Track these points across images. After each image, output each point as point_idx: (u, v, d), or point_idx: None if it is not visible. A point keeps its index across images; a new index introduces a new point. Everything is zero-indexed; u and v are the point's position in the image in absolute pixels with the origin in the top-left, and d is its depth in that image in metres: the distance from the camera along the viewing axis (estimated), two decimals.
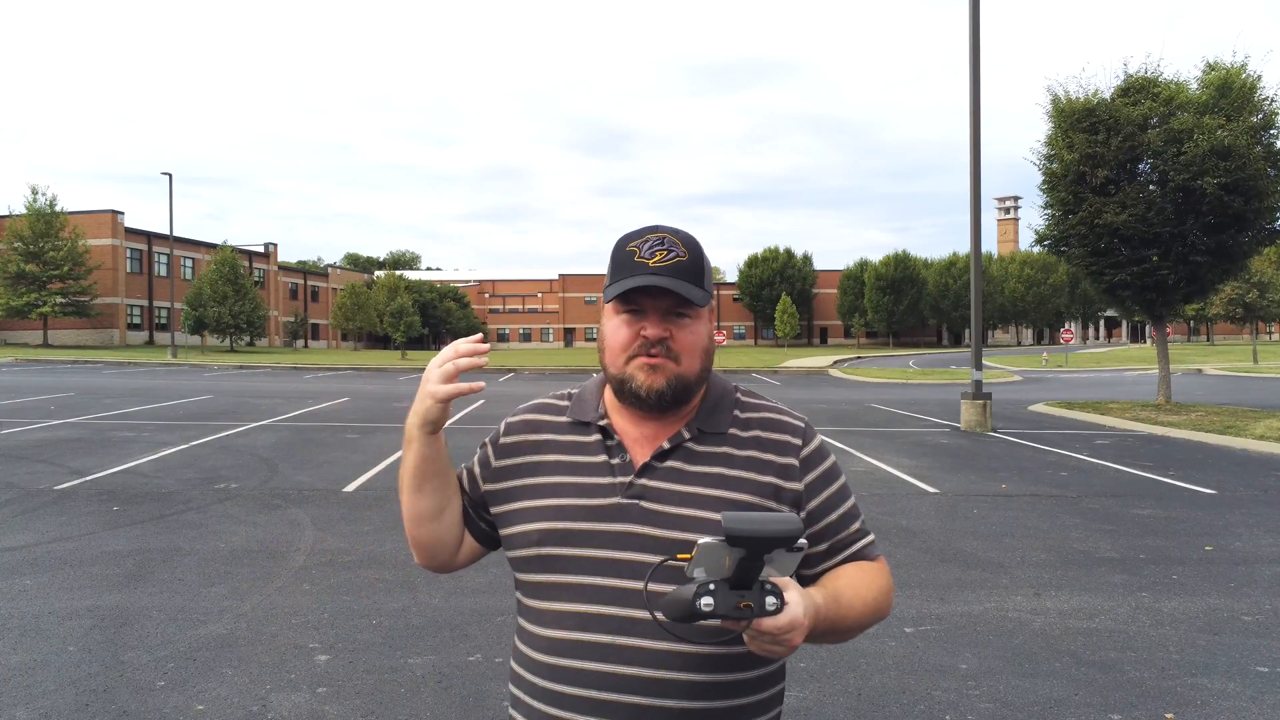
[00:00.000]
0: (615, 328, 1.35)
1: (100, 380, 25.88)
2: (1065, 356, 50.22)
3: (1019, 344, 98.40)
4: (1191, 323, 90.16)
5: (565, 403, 1.46)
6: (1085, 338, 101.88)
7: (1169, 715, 3.71)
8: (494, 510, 1.42)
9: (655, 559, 1.25)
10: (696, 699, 1.26)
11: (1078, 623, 4.90)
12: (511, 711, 1.40)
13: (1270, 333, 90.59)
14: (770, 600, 1.08)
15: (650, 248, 1.33)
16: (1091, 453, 12.08)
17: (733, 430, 1.39)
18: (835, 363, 46.61)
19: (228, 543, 6.48)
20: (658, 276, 1.30)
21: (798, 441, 1.40)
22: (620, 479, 1.34)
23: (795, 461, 1.38)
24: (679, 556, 1.15)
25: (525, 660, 1.36)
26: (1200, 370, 37.58)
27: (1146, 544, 6.77)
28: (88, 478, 9.10)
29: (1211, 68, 17.31)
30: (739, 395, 1.44)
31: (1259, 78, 16.90)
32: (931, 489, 9.12)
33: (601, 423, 1.39)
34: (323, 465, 10.21)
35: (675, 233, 1.36)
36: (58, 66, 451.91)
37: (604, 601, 1.28)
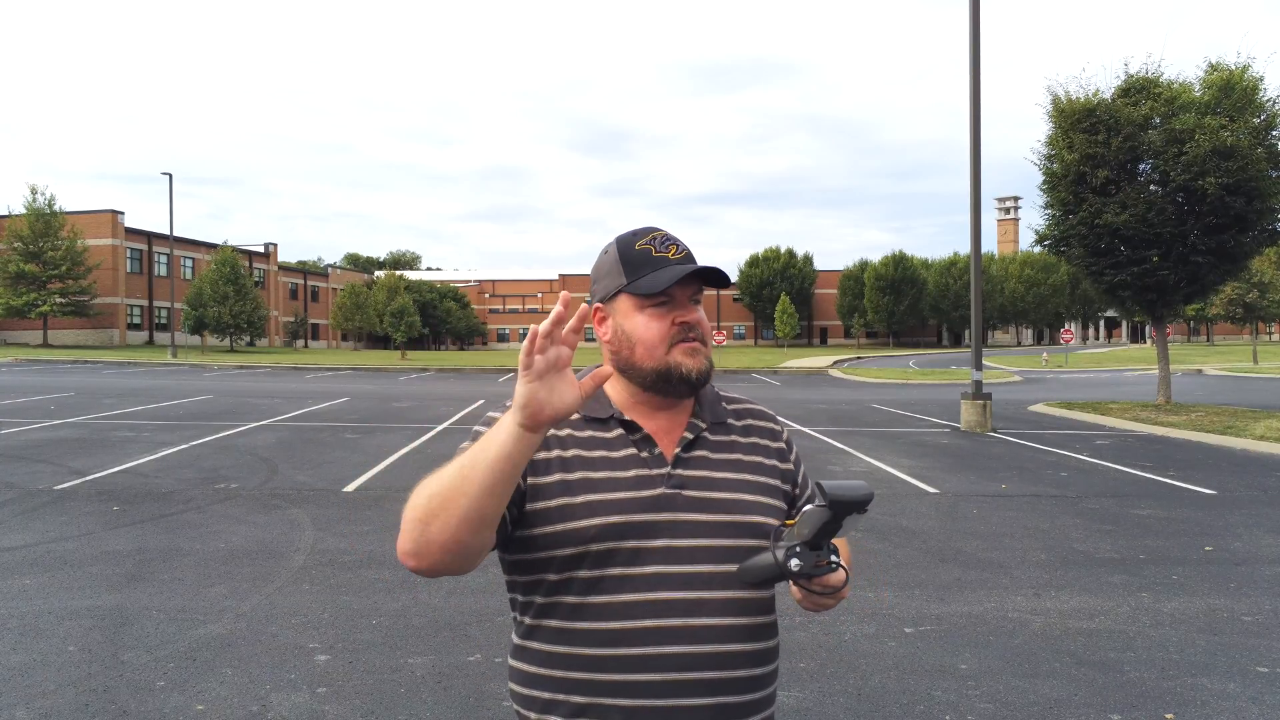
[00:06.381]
0: (646, 322, 1.39)
1: (100, 380, 25.88)
2: (1065, 357, 50.20)
3: (1019, 344, 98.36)
4: (1191, 323, 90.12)
5: None
6: (1085, 338, 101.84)
7: (1169, 715, 3.71)
8: (529, 507, 1.35)
9: (707, 542, 1.35)
10: (756, 666, 1.38)
11: (1078, 623, 4.90)
12: (531, 714, 1.36)
13: (1270, 333, 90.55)
14: (833, 559, 1.25)
15: (662, 242, 1.42)
16: (1091, 453, 12.08)
17: (730, 420, 1.50)
18: (835, 363, 46.59)
19: (228, 543, 6.48)
20: (695, 266, 1.39)
21: (778, 428, 1.56)
22: (655, 471, 1.38)
23: (783, 445, 1.54)
24: (787, 522, 1.32)
25: (569, 659, 1.33)
26: (1200, 370, 37.57)
27: (1146, 544, 6.77)
28: (88, 478, 9.10)
29: (1214, 68, 17.29)
30: (717, 390, 1.55)
31: (1261, 79, 16.89)
32: (931, 489, 9.12)
33: (625, 418, 1.43)
34: (323, 465, 10.21)
35: (666, 231, 1.46)
36: (57, 66, 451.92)
37: (671, 588, 1.33)
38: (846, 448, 12.26)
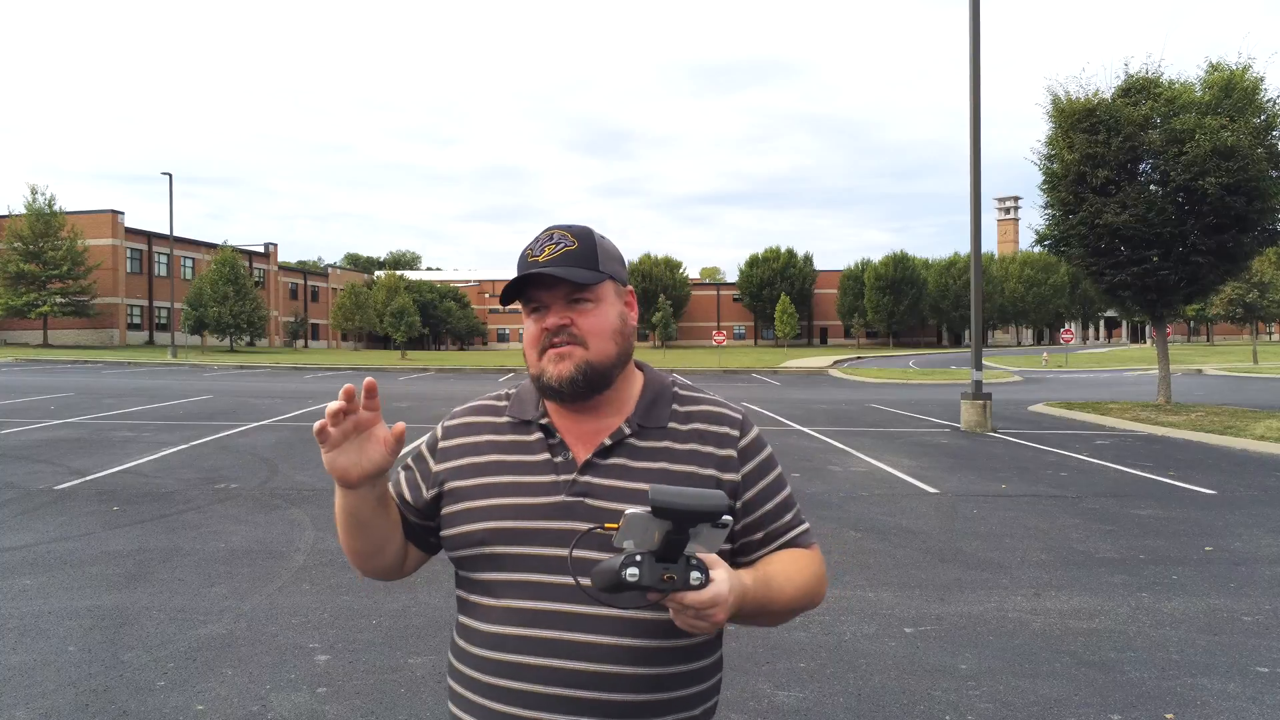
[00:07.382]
0: (526, 329, 1.40)
1: (100, 380, 25.88)
2: (1065, 357, 50.22)
3: (1019, 344, 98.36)
4: (1191, 323, 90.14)
5: (504, 403, 1.47)
6: (1085, 338, 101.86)
7: (1169, 715, 3.71)
8: (444, 511, 1.42)
9: (602, 556, 1.22)
10: (643, 691, 1.28)
11: (1078, 623, 4.90)
12: (453, 708, 1.39)
13: (1270, 333, 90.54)
14: (695, 575, 1.11)
15: (539, 245, 1.37)
16: (1091, 453, 12.08)
17: (673, 424, 1.40)
18: (835, 363, 46.60)
19: (228, 543, 6.48)
20: (542, 267, 1.33)
21: (736, 433, 1.42)
22: (563, 477, 1.35)
23: (734, 453, 1.40)
24: (606, 526, 1.17)
25: (468, 656, 1.36)
26: (1200, 370, 37.58)
27: (1146, 544, 6.77)
28: (88, 478, 9.10)
29: (1214, 68, 17.28)
30: (676, 389, 1.46)
31: (1262, 79, 16.88)
32: (931, 489, 9.12)
33: (542, 421, 1.40)
34: (323, 465, 10.19)
35: (566, 227, 1.39)
36: (57, 66, 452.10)
37: (550, 598, 1.30)
38: (847, 448, 12.25)
